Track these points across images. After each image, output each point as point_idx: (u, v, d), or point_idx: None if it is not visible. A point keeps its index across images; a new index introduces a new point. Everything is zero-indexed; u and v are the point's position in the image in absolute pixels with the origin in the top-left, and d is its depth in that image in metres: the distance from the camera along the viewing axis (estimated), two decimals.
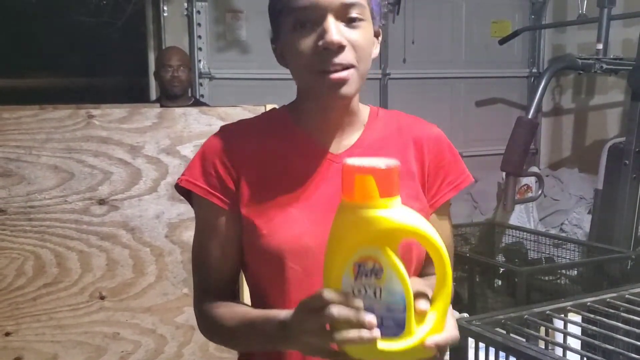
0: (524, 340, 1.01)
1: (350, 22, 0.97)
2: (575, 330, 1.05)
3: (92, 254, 1.78)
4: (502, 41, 4.31)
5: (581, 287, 2.92)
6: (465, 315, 1.78)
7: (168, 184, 1.79)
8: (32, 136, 1.72)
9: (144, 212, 1.80)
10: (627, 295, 1.05)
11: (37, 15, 6.03)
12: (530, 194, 4.30)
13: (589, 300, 1.04)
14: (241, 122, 1.12)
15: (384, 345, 0.79)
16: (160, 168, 1.80)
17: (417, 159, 1.08)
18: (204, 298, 1.07)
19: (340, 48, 0.95)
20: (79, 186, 1.76)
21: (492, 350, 0.94)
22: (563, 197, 4.21)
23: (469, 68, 4.65)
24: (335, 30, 0.94)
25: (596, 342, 0.94)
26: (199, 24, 3.93)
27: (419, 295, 0.81)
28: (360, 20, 0.97)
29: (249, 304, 1.08)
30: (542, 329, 1.04)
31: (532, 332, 1.01)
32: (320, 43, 0.94)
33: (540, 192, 3.97)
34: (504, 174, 3.80)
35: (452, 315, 0.86)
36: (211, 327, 1.07)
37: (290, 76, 1.04)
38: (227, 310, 1.03)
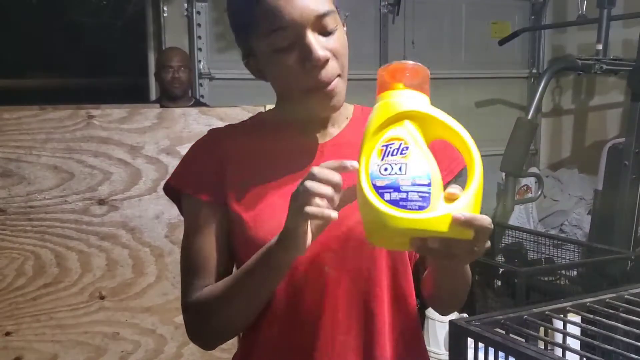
0: (524, 340, 1.01)
1: (326, 31, 0.97)
2: (575, 330, 1.06)
3: (92, 254, 1.78)
4: (502, 42, 4.31)
5: (581, 288, 2.91)
6: (465, 315, 1.78)
7: None
8: (32, 136, 1.72)
9: (144, 212, 1.81)
10: (626, 296, 1.05)
11: (37, 15, 6.03)
12: (529, 195, 4.30)
13: (588, 300, 1.04)
14: (228, 125, 1.13)
15: (408, 215, 0.78)
16: (160, 168, 1.81)
17: None
18: (193, 295, 1.04)
19: (326, 62, 0.96)
20: (79, 186, 1.76)
21: (491, 351, 0.94)
22: (563, 197, 4.21)
23: (468, 69, 4.64)
24: (317, 46, 0.95)
25: (595, 343, 0.94)
26: (199, 25, 3.92)
27: (450, 184, 0.84)
28: (335, 26, 0.98)
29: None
30: (542, 329, 1.05)
31: (531, 332, 1.01)
32: (307, 64, 0.95)
33: (540, 192, 3.97)
34: (503, 174, 3.80)
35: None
36: (202, 309, 1.02)
37: None
38: (214, 286, 1.02)
